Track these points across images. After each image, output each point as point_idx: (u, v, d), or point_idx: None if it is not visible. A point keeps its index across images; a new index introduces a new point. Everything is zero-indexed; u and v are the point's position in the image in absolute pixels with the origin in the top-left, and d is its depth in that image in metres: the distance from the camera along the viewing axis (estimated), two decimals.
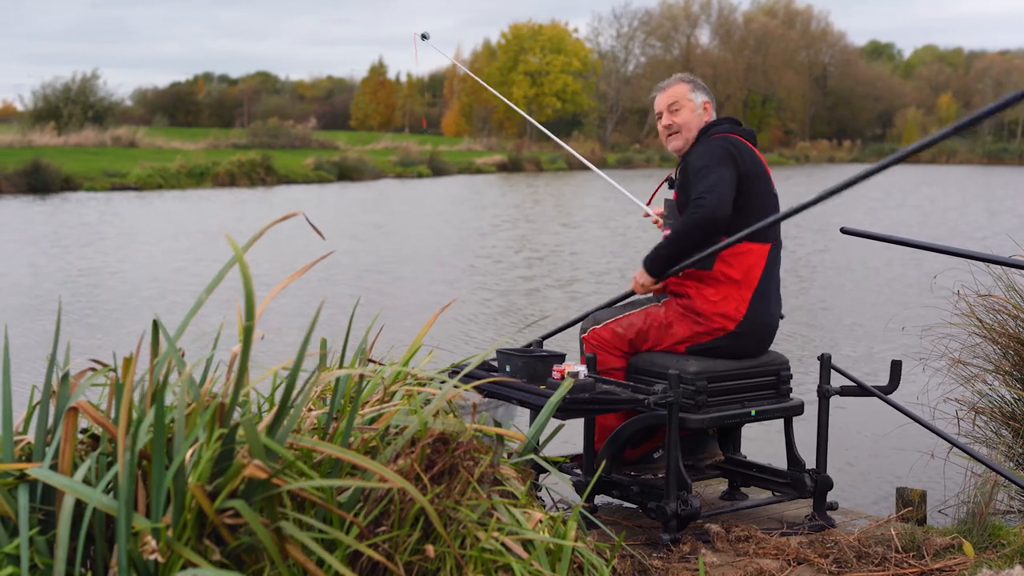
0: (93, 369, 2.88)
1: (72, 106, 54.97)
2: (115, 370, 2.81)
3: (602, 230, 23.70)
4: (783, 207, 4.50)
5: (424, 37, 5.95)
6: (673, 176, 4.74)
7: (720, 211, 4.33)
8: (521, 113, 6.51)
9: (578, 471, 4.63)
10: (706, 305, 4.43)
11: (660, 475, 4.60)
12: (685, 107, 4.69)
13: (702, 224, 4.34)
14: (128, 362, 2.69)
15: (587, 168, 5.86)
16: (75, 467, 2.61)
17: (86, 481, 2.54)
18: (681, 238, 4.41)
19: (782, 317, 4.63)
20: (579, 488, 4.54)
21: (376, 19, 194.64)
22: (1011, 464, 5.14)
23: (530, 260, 18.17)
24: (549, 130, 6.31)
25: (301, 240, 18.96)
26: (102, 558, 2.50)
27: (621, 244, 20.70)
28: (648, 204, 5.19)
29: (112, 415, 2.72)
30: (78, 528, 2.46)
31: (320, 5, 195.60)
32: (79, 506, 2.48)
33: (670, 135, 4.71)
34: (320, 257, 3.20)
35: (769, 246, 4.50)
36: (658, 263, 4.50)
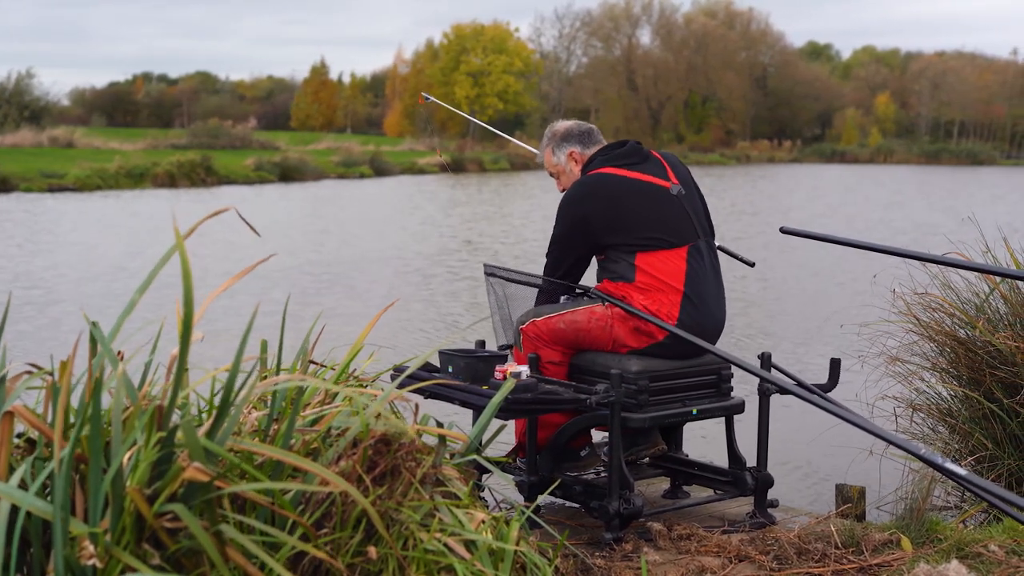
0: (29, 372, 2.84)
1: (7, 106, 54.27)
2: (52, 373, 2.77)
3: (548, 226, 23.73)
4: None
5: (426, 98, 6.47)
6: None
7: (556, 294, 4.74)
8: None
9: (520, 468, 4.64)
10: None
11: (587, 473, 4.62)
12: (558, 172, 4.89)
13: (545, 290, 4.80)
14: (64, 365, 2.66)
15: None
16: (11, 472, 2.57)
17: (22, 486, 2.51)
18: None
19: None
20: (521, 488, 4.55)
21: (330, 20, 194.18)
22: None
23: (475, 259, 18.16)
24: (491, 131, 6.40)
25: (242, 244, 18.81)
26: (39, 564, 2.47)
27: None
28: None
29: (49, 419, 2.69)
30: (13, 533, 2.43)
31: (276, 6, 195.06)
32: (14, 511, 2.44)
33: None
34: (261, 260, 3.18)
35: (687, 247, 4.51)
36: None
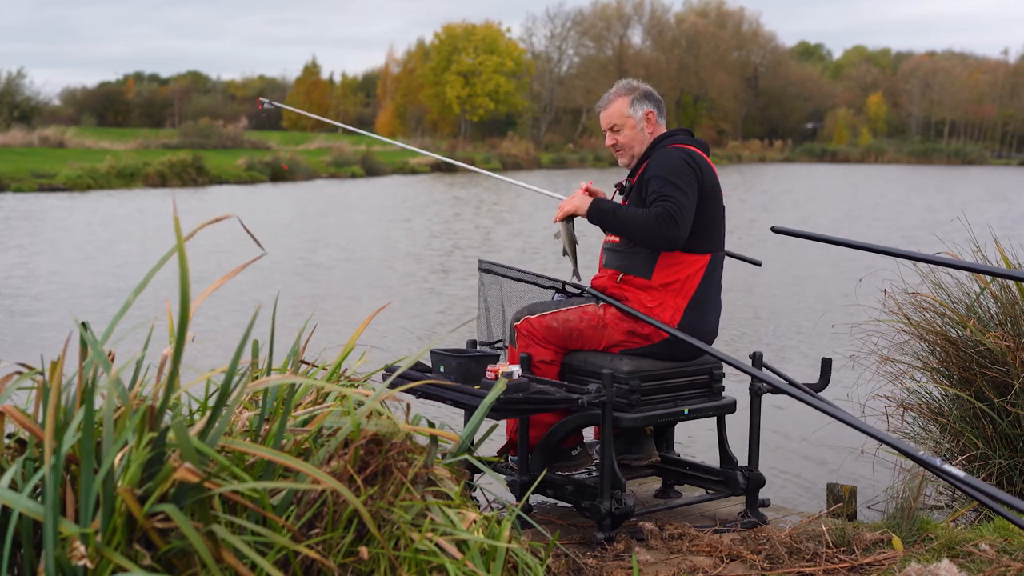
0: (20, 372, 2.83)
1: None
2: (42, 373, 2.76)
3: (541, 228, 23.73)
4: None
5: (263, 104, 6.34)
6: (624, 183, 4.73)
7: (682, 240, 4.33)
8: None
9: (512, 468, 4.63)
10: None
11: (579, 473, 4.62)
12: (625, 125, 4.65)
13: (664, 238, 4.32)
14: (55, 365, 2.65)
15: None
16: (1, 472, 2.56)
17: (12, 487, 2.50)
18: (639, 229, 4.35)
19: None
20: (513, 487, 4.55)
21: (322, 21, 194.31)
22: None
23: (466, 259, 18.16)
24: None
25: (234, 243, 18.78)
26: (30, 564, 2.46)
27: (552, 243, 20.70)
28: None
29: (39, 419, 2.68)
30: (3, 534, 2.42)
31: (267, 5, 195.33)
32: (5, 512, 2.43)
33: (616, 151, 4.73)
34: (251, 260, 3.17)
35: (709, 257, 4.52)
36: (603, 219, 4.47)
